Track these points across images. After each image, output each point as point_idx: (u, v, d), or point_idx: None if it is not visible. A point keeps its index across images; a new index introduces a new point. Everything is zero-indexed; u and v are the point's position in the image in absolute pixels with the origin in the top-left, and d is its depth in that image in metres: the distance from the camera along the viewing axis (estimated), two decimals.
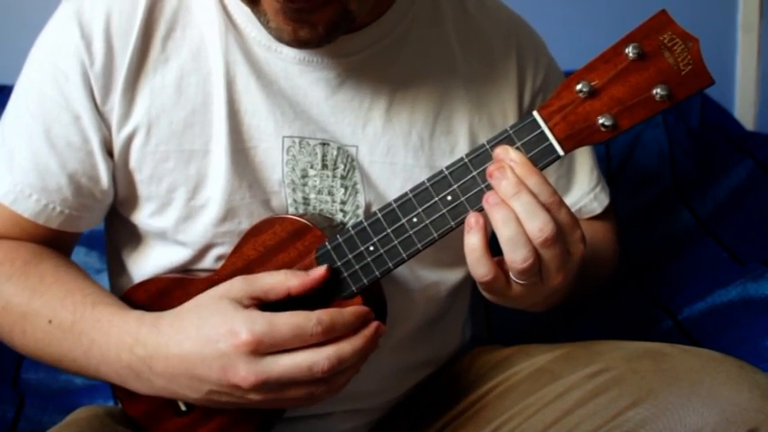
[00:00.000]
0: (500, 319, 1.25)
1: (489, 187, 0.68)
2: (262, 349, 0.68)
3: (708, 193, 1.30)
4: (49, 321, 0.77)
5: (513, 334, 1.20)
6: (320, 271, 0.71)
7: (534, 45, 0.92)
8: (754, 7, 1.66)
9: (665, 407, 0.72)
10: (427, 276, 0.87)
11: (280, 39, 0.73)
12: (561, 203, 0.67)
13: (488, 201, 0.67)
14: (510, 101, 0.87)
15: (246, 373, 0.68)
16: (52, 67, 0.79)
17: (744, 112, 1.69)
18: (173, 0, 0.79)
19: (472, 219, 0.68)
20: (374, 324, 0.72)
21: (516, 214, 0.66)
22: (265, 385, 0.68)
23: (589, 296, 0.94)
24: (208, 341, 0.69)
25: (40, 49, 0.81)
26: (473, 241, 0.68)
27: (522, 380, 0.86)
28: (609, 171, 1.38)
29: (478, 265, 0.68)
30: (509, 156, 0.67)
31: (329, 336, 0.69)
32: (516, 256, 0.66)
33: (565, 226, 0.68)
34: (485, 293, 0.73)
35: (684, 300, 1.15)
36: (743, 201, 1.25)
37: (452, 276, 0.89)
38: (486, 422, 0.86)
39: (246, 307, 0.70)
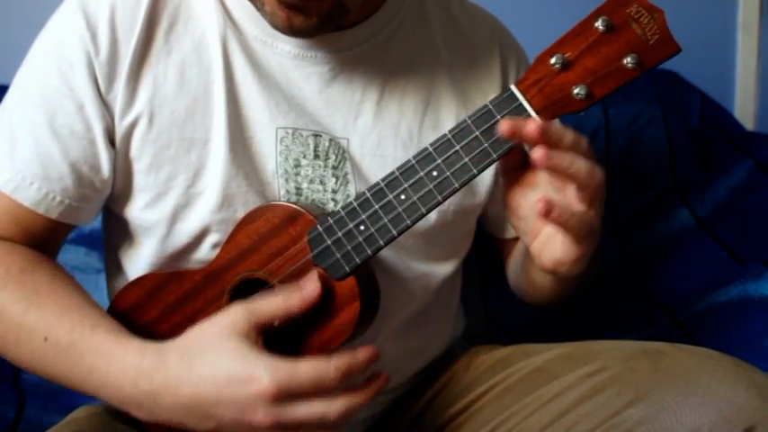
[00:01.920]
0: (499, 319, 1.26)
1: (472, 160, 0.70)
2: (282, 397, 0.68)
3: (707, 192, 1.30)
4: (45, 339, 0.76)
5: (512, 333, 1.20)
6: (313, 287, 0.72)
7: (515, 46, 0.96)
8: (754, 7, 1.66)
9: (662, 406, 0.72)
10: (418, 268, 0.88)
11: (275, 26, 0.76)
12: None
13: (540, 153, 0.66)
14: (494, 95, 0.88)
15: (264, 416, 0.68)
16: (57, 56, 0.80)
17: (744, 112, 1.69)
18: None
19: (543, 204, 0.67)
20: (384, 376, 0.73)
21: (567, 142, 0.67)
22: (279, 428, 0.69)
23: (584, 287, 0.95)
24: (226, 385, 0.69)
25: (44, 40, 0.83)
26: (561, 208, 0.68)
27: (520, 379, 0.86)
28: (609, 171, 1.37)
29: (583, 217, 0.68)
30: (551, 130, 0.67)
31: (346, 380, 0.69)
32: (597, 177, 0.68)
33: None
34: (579, 262, 0.73)
35: (684, 299, 1.15)
36: (743, 201, 1.25)
37: (442, 269, 0.91)
38: (485, 421, 0.86)
39: (256, 343, 0.71)
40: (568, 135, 0.68)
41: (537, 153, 0.67)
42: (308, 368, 0.68)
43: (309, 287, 0.72)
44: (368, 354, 0.71)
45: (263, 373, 0.68)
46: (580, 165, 0.67)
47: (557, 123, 0.69)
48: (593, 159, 0.68)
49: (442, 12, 0.91)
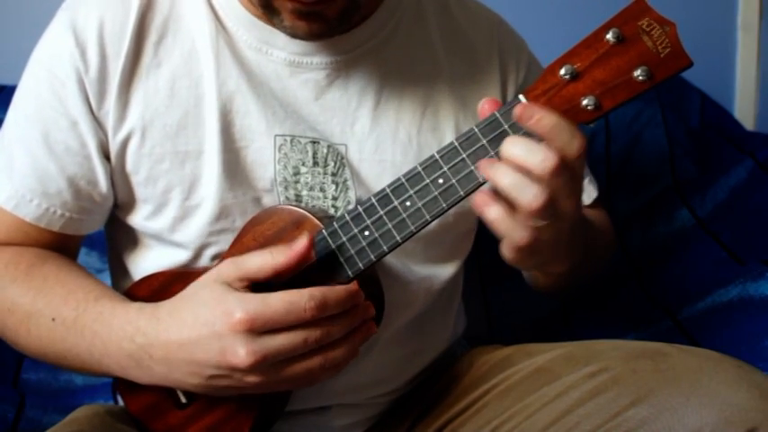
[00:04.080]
0: (500, 319, 1.26)
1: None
2: (257, 327, 0.68)
3: (708, 192, 1.30)
4: (53, 319, 0.78)
5: (513, 333, 1.20)
6: (302, 242, 0.71)
7: (515, 43, 0.95)
8: (755, 7, 1.66)
9: (663, 407, 0.72)
10: (420, 271, 0.88)
11: (294, 35, 0.77)
12: (563, 129, 0.66)
13: (480, 165, 0.68)
14: (492, 94, 0.89)
15: (244, 352, 0.68)
16: (49, 74, 0.81)
17: (744, 112, 1.69)
18: (164, 8, 0.82)
19: (478, 198, 0.68)
20: (365, 303, 0.73)
21: (511, 160, 0.66)
22: (263, 364, 0.69)
23: (590, 276, 0.95)
24: (204, 324, 0.70)
25: (37, 58, 0.84)
26: (493, 212, 0.67)
27: (521, 379, 0.86)
28: (609, 171, 1.38)
29: (514, 231, 0.67)
30: (532, 110, 0.66)
31: (322, 312, 0.69)
32: (527, 197, 0.65)
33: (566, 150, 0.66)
34: (523, 265, 0.72)
35: (684, 300, 1.15)
36: (743, 201, 1.25)
37: (444, 272, 0.91)
38: (486, 421, 0.86)
39: (238, 289, 0.71)
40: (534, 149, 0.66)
41: (480, 162, 0.67)
42: (280, 296, 0.69)
43: (298, 243, 0.72)
44: (346, 288, 0.71)
45: (234, 305, 0.69)
46: (503, 178, 0.66)
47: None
48: (546, 181, 0.65)
49: (440, 10, 0.91)
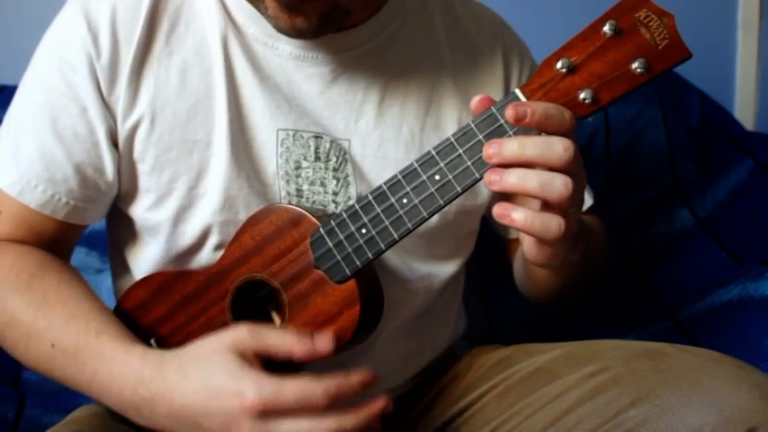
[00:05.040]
0: (500, 319, 1.26)
1: (475, 164, 0.69)
2: (266, 413, 0.67)
3: (707, 192, 1.30)
4: (52, 345, 0.77)
5: (513, 333, 1.20)
6: (326, 344, 0.70)
7: (519, 46, 0.95)
8: (755, 7, 1.66)
9: (664, 407, 0.72)
10: (421, 269, 0.88)
11: (278, 28, 0.76)
12: (552, 111, 0.66)
13: (494, 180, 0.66)
14: (496, 97, 0.88)
15: (248, 431, 0.67)
16: (60, 59, 0.81)
17: (744, 112, 1.69)
18: None
19: (498, 209, 0.67)
20: (381, 400, 0.70)
21: (531, 159, 0.65)
22: None
23: (586, 283, 0.94)
24: (213, 396, 0.69)
25: (47, 43, 0.84)
26: (520, 217, 0.67)
27: (521, 379, 0.86)
28: (609, 171, 1.38)
29: (548, 224, 0.66)
30: (523, 108, 0.65)
31: (335, 404, 0.68)
32: (558, 189, 0.65)
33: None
34: (554, 260, 0.72)
35: (684, 299, 1.15)
36: (743, 201, 1.25)
37: (445, 269, 0.91)
38: (486, 421, 0.86)
39: (251, 363, 0.70)
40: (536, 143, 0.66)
41: (488, 177, 0.67)
42: (295, 387, 0.67)
43: (323, 343, 0.70)
44: (362, 377, 0.69)
45: (249, 388, 0.67)
46: (530, 182, 0.65)
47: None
48: (567, 169, 0.66)
49: (445, 10, 0.91)
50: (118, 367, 0.73)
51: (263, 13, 0.77)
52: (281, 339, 0.70)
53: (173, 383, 0.71)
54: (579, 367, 0.81)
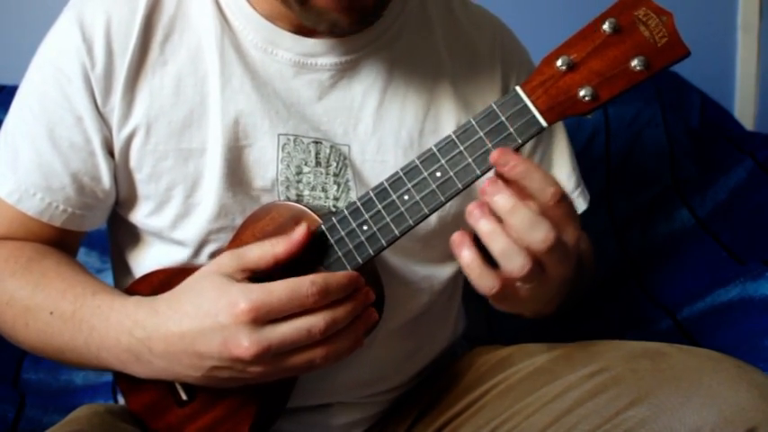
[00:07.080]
0: (500, 319, 1.26)
1: (476, 161, 0.70)
2: (261, 317, 0.68)
3: (707, 192, 1.30)
4: (51, 313, 0.78)
5: (513, 333, 1.20)
6: (301, 230, 0.72)
7: (518, 50, 0.96)
8: (755, 7, 1.66)
9: (663, 407, 0.72)
10: (420, 271, 0.89)
11: (333, 31, 0.77)
12: (562, 197, 0.66)
13: (473, 214, 0.66)
14: (494, 99, 0.88)
15: (248, 343, 0.68)
16: (55, 70, 0.81)
17: (744, 112, 1.69)
18: (170, 7, 0.82)
19: (456, 237, 0.67)
20: (366, 289, 0.73)
21: (509, 227, 0.65)
22: (266, 355, 0.69)
23: (580, 297, 0.94)
24: (207, 315, 0.70)
25: (43, 53, 0.84)
26: (466, 257, 0.67)
27: (521, 379, 0.86)
28: (609, 171, 1.38)
29: (482, 280, 0.67)
30: (507, 157, 0.66)
31: (324, 298, 0.69)
32: (513, 266, 0.65)
33: (561, 219, 0.67)
34: (496, 305, 0.73)
35: (684, 299, 1.15)
36: (743, 201, 1.25)
37: (444, 272, 0.91)
38: (486, 421, 0.86)
39: (239, 281, 0.71)
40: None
41: (471, 206, 0.66)
42: (282, 284, 0.69)
43: (297, 231, 0.72)
44: (347, 274, 0.71)
45: (238, 296, 0.69)
46: (495, 243, 0.65)
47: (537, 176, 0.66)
48: (539, 257, 0.65)
49: (445, 13, 0.91)
50: (114, 314, 0.75)
51: (311, 19, 0.76)
52: (259, 248, 0.72)
53: (167, 317, 0.72)
54: (579, 367, 0.81)
